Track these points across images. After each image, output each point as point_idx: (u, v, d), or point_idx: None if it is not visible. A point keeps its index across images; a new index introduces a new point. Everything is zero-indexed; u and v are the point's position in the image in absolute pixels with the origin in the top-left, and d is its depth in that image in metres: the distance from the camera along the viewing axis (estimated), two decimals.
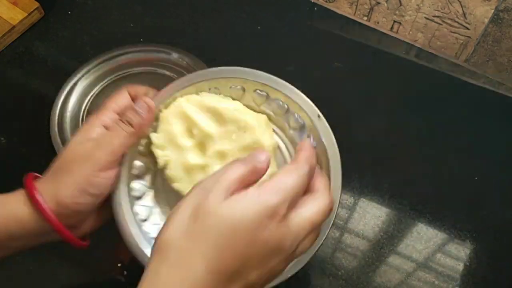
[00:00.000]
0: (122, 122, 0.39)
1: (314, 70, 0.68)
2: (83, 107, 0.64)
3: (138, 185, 0.44)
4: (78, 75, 0.66)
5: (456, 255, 0.54)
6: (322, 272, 0.53)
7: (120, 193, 0.41)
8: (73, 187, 0.37)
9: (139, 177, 0.44)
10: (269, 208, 0.31)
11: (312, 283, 0.52)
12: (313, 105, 0.43)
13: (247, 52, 0.71)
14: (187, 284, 0.30)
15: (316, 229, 0.35)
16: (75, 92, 0.65)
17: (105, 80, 0.67)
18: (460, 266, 0.54)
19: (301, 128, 0.44)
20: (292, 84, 0.45)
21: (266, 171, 0.34)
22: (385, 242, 0.55)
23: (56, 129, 0.61)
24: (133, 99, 0.43)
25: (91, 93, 0.65)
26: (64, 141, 0.60)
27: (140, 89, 0.43)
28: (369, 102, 0.66)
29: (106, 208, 0.41)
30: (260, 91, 0.44)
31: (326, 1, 0.73)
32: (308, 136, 0.44)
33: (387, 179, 0.60)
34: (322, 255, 0.54)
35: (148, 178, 0.45)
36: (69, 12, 0.77)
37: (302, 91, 0.46)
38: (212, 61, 0.67)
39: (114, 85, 0.66)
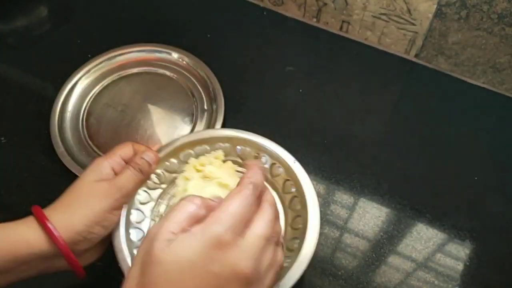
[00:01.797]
0: (134, 169, 0.46)
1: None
2: (83, 107, 0.64)
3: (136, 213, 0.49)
4: (78, 75, 0.66)
5: (456, 255, 0.54)
6: (322, 272, 0.53)
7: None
8: (89, 219, 0.42)
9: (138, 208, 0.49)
10: (212, 240, 0.32)
11: (312, 283, 0.52)
12: (288, 153, 0.51)
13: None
14: None
15: (270, 241, 0.35)
16: (75, 92, 0.65)
17: (105, 80, 0.67)
18: (460, 266, 0.54)
19: (281, 174, 0.51)
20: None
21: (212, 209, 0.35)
22: (385, 242, 0.55)
23: (56, 129, 0.61)
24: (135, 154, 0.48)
25: (91, 93, 0.66)
26: (64, 141, 0.60)
27: (140, 147, 0.49)
28: (368, 103, 0.66)
29: (104, 242, 0.46)
30: (243, 147, 0.52)
31: (274, 5, 0.74)
32: (287, 180, 0.50)
33: (387, 179, 0.60)
34: (322, 255, 0.54)
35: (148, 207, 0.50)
36: (69, 12, 0.77)
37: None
38: (211, 61, 0.67)
39: (114, 85, 0.66)
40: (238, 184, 0.37)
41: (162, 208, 0.50)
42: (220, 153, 0.49)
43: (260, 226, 0.35)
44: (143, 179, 0.47)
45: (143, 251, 0.33)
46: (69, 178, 0.57)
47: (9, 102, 0.66)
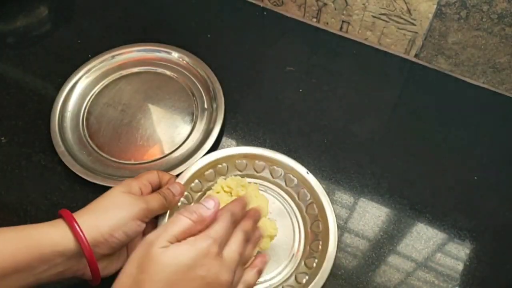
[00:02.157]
0: (161, 195, 0.50)
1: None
2: (84, 107, 0.64)
3: None
4: (79, 75, 0.66)
5: (456, 255, 0.54)
6: None
7: None
8: (113, 222, 0.45)
9: None
10: (203, 250, 0.39)
11: None
12: (301, 165, 0.57)
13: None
14: None
15: (241, 258, 0.43)
16: (76, 92, 0.65)
17: (106, 80, 0.67)
18: (460, 266, 0.54)
19: (295, 184, 0.57)
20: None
21: (211, 218, 0.42)
22: (385, 242, 0.55)
23: (56, 128, 0.61)
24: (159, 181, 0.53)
25: (92, 93, 0.66)
26: (64, 141, 0.60)
27: (164, 175, 0.54)
28: (368, 103, 0.66)
29: (122, 258, 0.48)
30: (259, 161, 0.58)
31: (275, 5, 0.74)
32: (302, 189, 0.57)
33: (387, 179, 0.60)
34: None
35: None
36: (69, 12, 0.77)
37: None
38: (212, 61, 0.67)
39: (114, 85, 0.66)
40: (220, 211, 0.44)
41: None
42: (244, 181, 0.54)
43: (234, 244, 0.42)
44: (167, 206, 0.51)
45: (141, 253, 0.39)
46: (69, 177, 0.58)
47: (9, 102, 0.66)
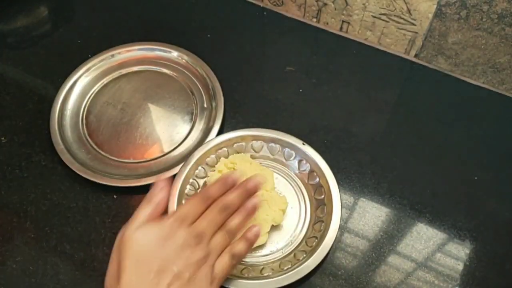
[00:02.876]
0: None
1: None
2: (83, 106, 0.64)
3: None
4: (78, 73, 0.66)
5: (456, 255, 0.54)
6: (322, 272, 0.53)
7: None
8: None
9: None
10: (167, 225, 0.44)
11: (312, 282, 0.52)
12: (296, 138, 0.60)
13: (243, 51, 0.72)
14: None
15: (229, 228, 0.46)
16: (75, 91, 0.65)
17: (105, 78, 0.67)
18: (460, 266, 0.54)
19: (294, 157, 0.60)
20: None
21: (163, 206, 0.46)
22: (385, 242, 0.55)
23: (56, 127, 0.61)
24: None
25: (91, 92, 0.66)
26: (64, 139, 0.60)
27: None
28: (368, 103, 0.66)
29: None
30: (256, 141, 0.60)
31: (274, 5, 0.74)
32: (301, 160, 0.59)
33: (387, 179, 0.59)
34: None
35: None
36: (69, 11, 0.77)
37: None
38: (211, 61, 0.67)
39: (114, 83, 0.67)
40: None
41: None
42: (248, 156, 0.58)
43: (204, 216, 0.45)
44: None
45: (118, 241, 0.43)
46: (70, 177, 0.58)
47: (9, 102, 0.66)
